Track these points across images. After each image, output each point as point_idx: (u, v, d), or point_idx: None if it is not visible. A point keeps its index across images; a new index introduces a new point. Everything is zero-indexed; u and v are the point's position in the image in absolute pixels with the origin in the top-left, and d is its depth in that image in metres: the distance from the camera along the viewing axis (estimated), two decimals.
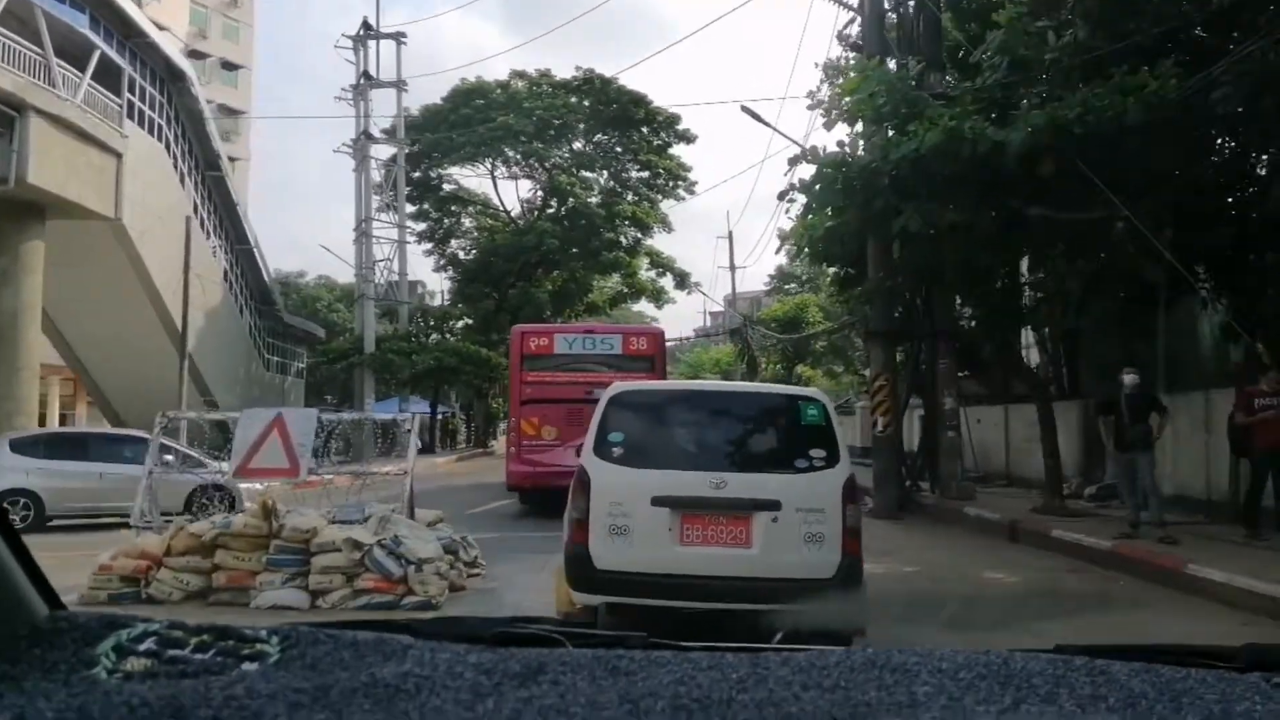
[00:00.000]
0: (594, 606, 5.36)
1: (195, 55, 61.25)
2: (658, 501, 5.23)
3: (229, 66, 64.00)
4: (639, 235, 39.17)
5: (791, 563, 5.19)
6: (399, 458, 9.32)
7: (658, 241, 42.31)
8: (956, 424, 14.84)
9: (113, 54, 22.14)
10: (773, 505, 5.20)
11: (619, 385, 6.04)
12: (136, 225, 22.21)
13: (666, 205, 41.43)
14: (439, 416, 39.80)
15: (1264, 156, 11.39)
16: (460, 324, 40.85)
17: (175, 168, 26.25)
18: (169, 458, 11.60)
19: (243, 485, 15.07)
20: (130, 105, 22.99)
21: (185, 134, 27.19)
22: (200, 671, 0.87)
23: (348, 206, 41.23)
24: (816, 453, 5.40)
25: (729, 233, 50.06)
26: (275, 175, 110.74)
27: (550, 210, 39.46)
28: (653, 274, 42.81)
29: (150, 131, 24.61)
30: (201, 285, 24.20)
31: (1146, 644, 1.12)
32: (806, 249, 16.54)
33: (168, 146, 25.70)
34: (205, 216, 28.25)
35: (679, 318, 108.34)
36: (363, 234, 33.62)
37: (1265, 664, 1.01)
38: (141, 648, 0.90)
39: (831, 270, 32.62)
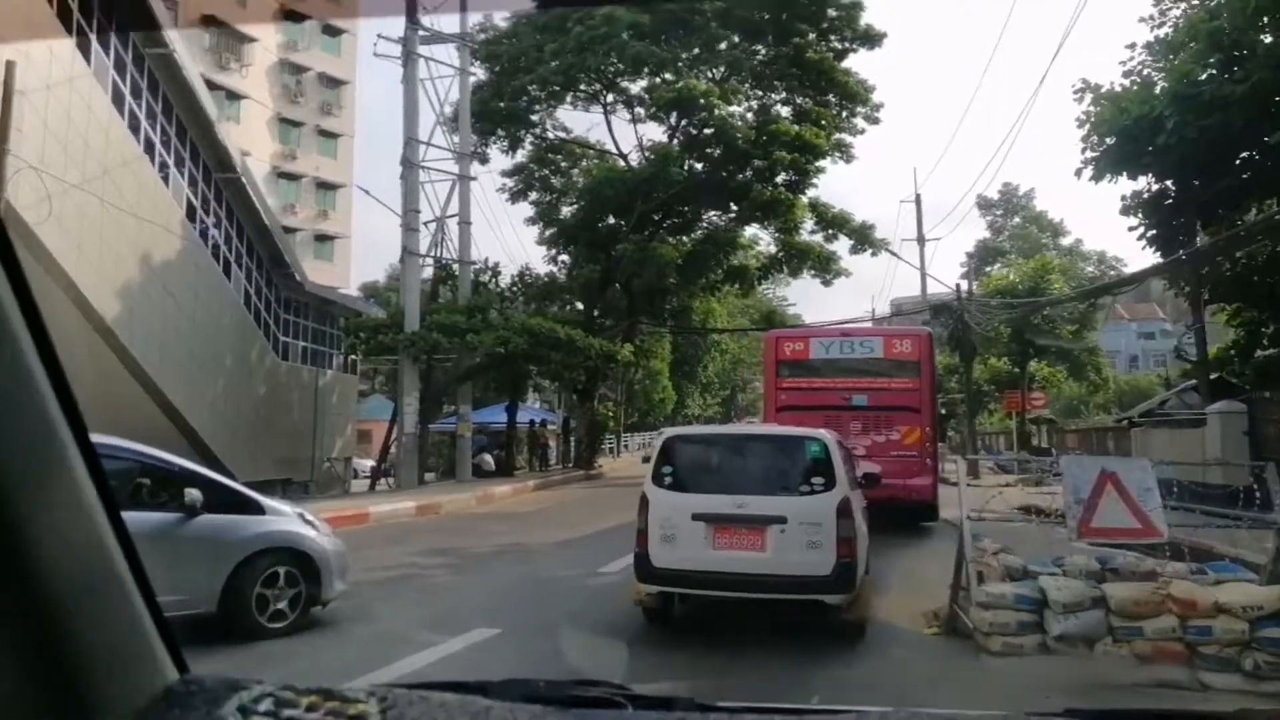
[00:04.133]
0: (655, 593, 6.90)
1: (292, 17, 54.52)
2: (696, 517, 6.69)
3: (331, 32, 56.86)
4: (802, 172, 27.25)
5: (795, 562, 6.53)
6: None
7: (826, 192, 30.62)
8: None
9: None
10: (780, 520, 6.59)
11: (669, 431, 8.09)
12: None
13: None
14: (531, 425, 29.36)
15: None
16: (565, 306, 30.46)
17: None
18: (194, 493, 6.62)
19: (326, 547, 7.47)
20: None
21: None
22: None
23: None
24: (817, 480, 6.76)
25: (916, 195, 37.58)
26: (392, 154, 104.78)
27: (678, 136, 28.34)
28: (818, 236, 30.91)
29: None
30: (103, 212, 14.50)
31: (1151, 709, 1.25)
32: None
33: None
34: (144, 118, 18.70)
35: (845, 300, 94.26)
36: (409, 164, 23.59)
37: None
38: (261, 708, 0.97)
39: (1132, 188, 20.07)
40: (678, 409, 54.99)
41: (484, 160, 31.81)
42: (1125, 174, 18.63)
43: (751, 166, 26.27)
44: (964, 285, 29.47)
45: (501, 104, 29.94)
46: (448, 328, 21.90)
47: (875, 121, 30.44)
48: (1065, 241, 53.63)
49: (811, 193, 29.91)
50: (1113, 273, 49.94)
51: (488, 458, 25.49)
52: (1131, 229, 19.71)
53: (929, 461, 13.74)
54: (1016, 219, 53.98)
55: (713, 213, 31.26)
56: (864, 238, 29.93)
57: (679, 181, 25.85)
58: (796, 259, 30.22)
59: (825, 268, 30.86)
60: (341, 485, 28.55)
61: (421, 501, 17.40)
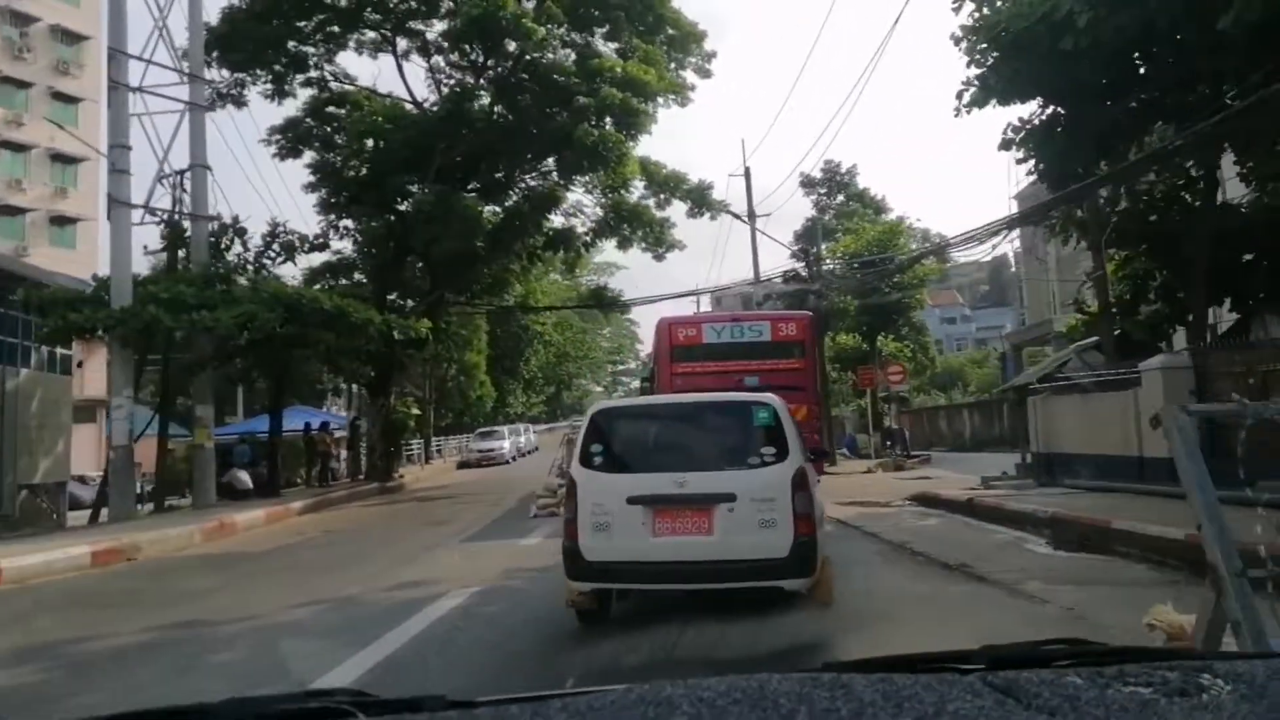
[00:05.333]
0: (588, 592, 5.90)
1: None
2: (633, 500, 5.75)
3: None
4: (633, 114, 22.99)
5: (748, 545, 5.61)
6: None
7: (657, 149, 26.78)
8: None
9: None
10: (729, 498, 5.67)
11: (600, 404, 6.86)
12: None
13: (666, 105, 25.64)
14: (306, 431, 23.66)
15: None
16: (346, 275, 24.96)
17: None
18: None
19: None
20: None
21: None
22: None
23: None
24: (767, 450, 5.87)
25: (745, 168, 34.15)
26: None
27: (485, 77, 23.51)
28: (650, 200, 26.91)
29: None
30: None
31: (903, 655, 1.21)
32: None
33: None
34: None
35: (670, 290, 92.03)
36: (116, 85, 17.54)
37: (1000, 663, 1.11)
38: None
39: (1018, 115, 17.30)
40: (498, 407, 49.89)
41: (240, 103, 25.77)
42: (1017, 97, 15.71)
43: (573, 106, 21.83)
44: (811, 254, 26.45)
45: (266, 48, 24.08)
46: (171, 301, 16.15)
47: (707, 75, 26.88)
48: (887, 219, 53.07)
49: (642, 149, 25.95)
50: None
51: (241, 474, 19.70)
52: (1020, 161, 16.99)
53: (816, 438, 14.38)
54: (840, 197, 53.04)
55: (529, 176, 26.71)
56: (702, 199, 26.24)
57: (484, 125, 21.06)
58: (627, 223, 26.09)
59: (659, 238, 26.92)
60: (52, 518, 21.83)
61: (108, 544, 11.80)
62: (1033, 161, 16.73)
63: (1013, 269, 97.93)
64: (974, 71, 16.13)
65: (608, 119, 22.71)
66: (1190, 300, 16.90)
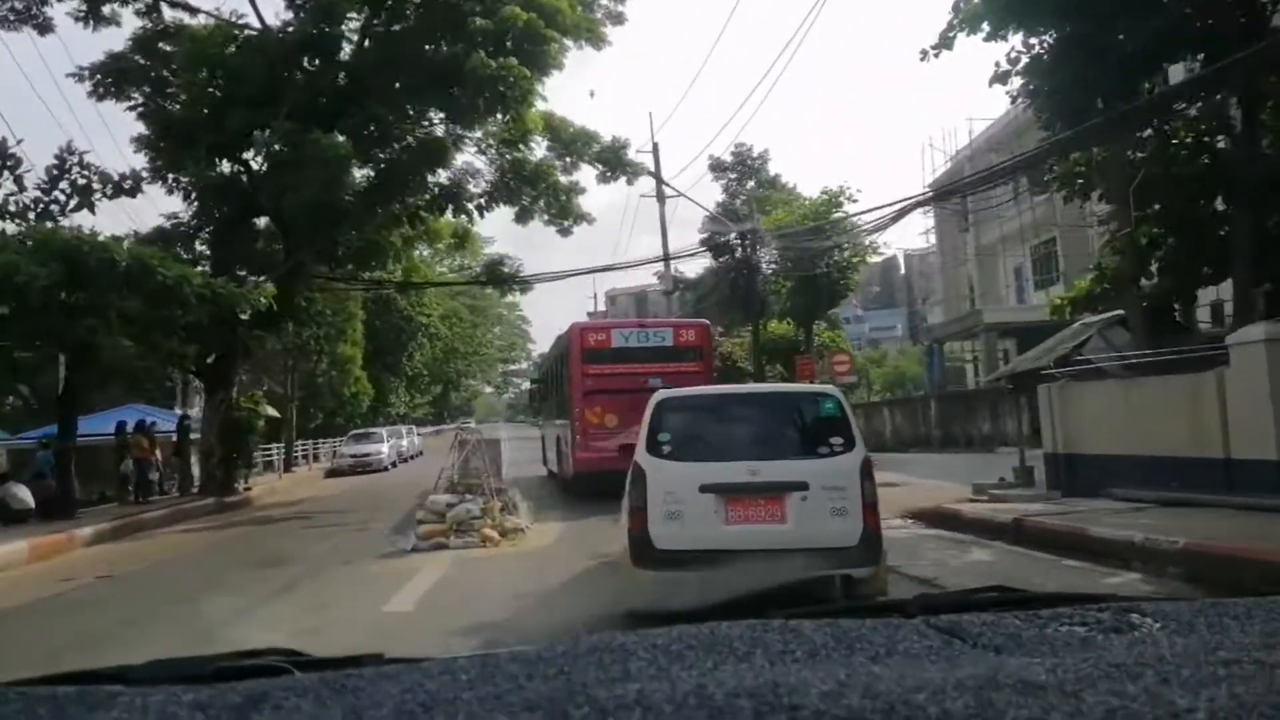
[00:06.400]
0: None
1: None
2: (705, 489, 5.92)
3: None
4: (542, 42, 18.96)
5: (820, 534, 5.79)
6: None
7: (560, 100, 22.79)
8: None
9: None
10: (801, 486, 5.86)
11: (663, 392, 6.76)
12: None
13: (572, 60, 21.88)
14: (119, 432, 18.74)
15: None
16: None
17: None
18: None
19: None
20: None
21: None
22: None
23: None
24: (835, 440, 6.05)
25: (654, 144, 30.52)
26: None
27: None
28: (556, 162, 23.00)
29: None
30: None
31: (841, 605, 1.30)
32: None
33: None
34: None
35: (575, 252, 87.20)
36: None
37: (934, 609, 1.13)
38: None
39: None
40: (377, 407, 44.82)
41: (43, 27, 20.55)
42: (1020, 15, 12.68)
43: (467, 30, 17.68)
44: (745, 226, 23.24)
45: None
46: None
47: (619, 20, 23.12)
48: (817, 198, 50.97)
49: (545, 109, 22.01)
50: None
51: (19, 490, 14.70)
52: (1018, 97, 14.01)
53: None
54: (751, 183, 50.50)
55: (411, 134, 22.43)
56: (616, 160, 22.51)
57: (353, 57, 16.80)
58: (529, 186, 22.10)
59: (565, 207, 23.03)
60: None
61: None
62: (1034, 98, 13.79)
63: (901, 271, 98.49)
64: None
65: (509, 57, 18.68)
66: (1201, 273, 14.38)
